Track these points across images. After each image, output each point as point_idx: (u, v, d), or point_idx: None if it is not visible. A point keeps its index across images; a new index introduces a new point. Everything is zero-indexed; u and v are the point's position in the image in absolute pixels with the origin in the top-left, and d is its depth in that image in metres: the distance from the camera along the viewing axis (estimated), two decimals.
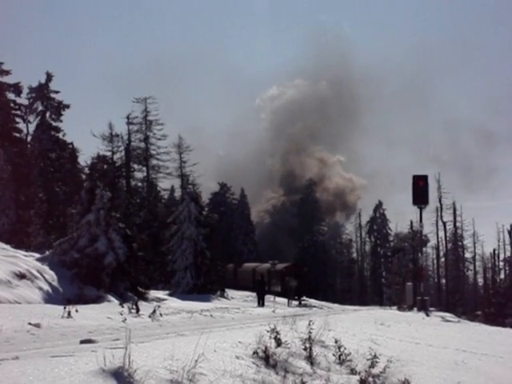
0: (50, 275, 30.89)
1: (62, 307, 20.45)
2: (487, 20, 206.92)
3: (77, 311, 20.39)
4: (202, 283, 49.04)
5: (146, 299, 34.10)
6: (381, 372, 12.87)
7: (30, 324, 16.76)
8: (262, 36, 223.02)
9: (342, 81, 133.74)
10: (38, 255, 33.60)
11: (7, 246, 32.64)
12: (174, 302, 35.87)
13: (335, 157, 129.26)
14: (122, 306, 24.45)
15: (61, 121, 61.60)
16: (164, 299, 37.17)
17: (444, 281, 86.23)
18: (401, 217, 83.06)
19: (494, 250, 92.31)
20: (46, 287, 29.52)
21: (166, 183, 73.88)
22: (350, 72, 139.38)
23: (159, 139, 68.90)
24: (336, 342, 13.39)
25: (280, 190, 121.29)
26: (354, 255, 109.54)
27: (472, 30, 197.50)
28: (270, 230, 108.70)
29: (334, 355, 13.08)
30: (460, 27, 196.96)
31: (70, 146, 62.39)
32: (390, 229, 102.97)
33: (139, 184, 69.69)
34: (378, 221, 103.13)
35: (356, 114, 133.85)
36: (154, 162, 69.31)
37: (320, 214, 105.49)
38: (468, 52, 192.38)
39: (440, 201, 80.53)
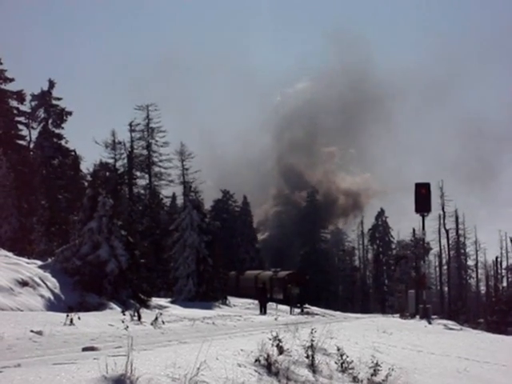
0: (52, 282, 30.88)
1: (64, 315, 20.47)
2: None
3: (79, 319, 20.38)
4: (204, 291, 49.00)
5: (148, 307, 34.07)
6: (383, 380, 12.86)
7: (32, 331, 16.76)
8: (276, 36, 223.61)
9: (358, 83, 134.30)
10: (40, 262, 33.56)
11: (9, 254, 32.61)
12: (176, 310, 35.83)
13: (348, 152, 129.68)
14: (124, 314, 24.36)
15: (63, 128, 61.86)
16: (166, 307, 37.13)
17: (446, 288, 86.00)
18: (411, 224, 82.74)
19: (497, 258, 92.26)
20: (48, 295, 29.51)
21: (169, 190, 74.07)
22: (366, 74, 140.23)
23: (161, 146, 69.18)
24: (338, 349, 13.36)
25: (286, 187, 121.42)
26: (357, 263, 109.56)
27: (494, 37, 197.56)
28: (274, 227, 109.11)
29: (336, 363, 13.05)
30: (481, 32, 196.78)
31: (73, 153, 62.50)
32: (392, 236, 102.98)
33: (141, 191, 69.80)
34: (380, 228, 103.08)
35: (371, 118, 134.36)
36: (157, 169, 69.54)
37: (321, 221, 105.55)
38: (490, 57, 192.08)
39: (443, 208, 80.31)
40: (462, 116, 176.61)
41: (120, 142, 64.87)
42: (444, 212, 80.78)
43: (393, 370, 13.42)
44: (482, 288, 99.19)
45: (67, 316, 19.88)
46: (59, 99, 62.16)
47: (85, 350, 13.87)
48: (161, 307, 35.36)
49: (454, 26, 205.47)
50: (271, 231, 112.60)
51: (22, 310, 25.12)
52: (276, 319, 31.98)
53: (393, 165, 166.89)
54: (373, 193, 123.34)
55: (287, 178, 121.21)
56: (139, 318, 24.20)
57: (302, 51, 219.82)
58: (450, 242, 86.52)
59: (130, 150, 66.12)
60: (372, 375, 12.86)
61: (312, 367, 12.36)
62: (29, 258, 34.27)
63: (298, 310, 48.93)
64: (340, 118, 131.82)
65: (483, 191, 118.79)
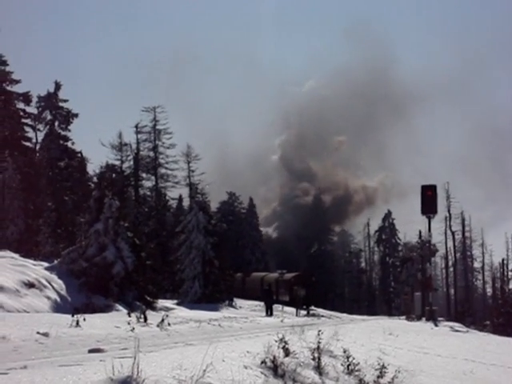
0: (59, 284, 30.95)
1: (70, 316, 20.48)
2: None
3: (85, 320, 20.38)
4: (210, 292, 49.01)
5: (154, 308, 34.09)
6: (389, 382, 12.84)
7: (38, 333, 16.77)
8: (286, 34, 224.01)
9: (373, 82, 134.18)
10: (46, 264, 33.62)
11: (16, 255, 32.71)
12: (182, 312, 35.84)
13: (360, 145, 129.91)
14: (130, 315, 24.46)
15: (69, 130, 61.98)
16: (172, 308, 37.15)
17: (453, 291, 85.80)
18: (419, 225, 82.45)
19: (503, 260, 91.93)
20: (55, 296, 29.57)
21: (175, 192, 73.95)
22: (382, 74, 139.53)
23: (168, 148, 69.22)
24: (344, 351, 13.33)
25: (292, 180, 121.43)
26: (363, 265, 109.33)
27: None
28: (281, 228, 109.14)
29: (342, 365, 13.02)
30: (496, 33, 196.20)
31: (79, 155, 62.61)
32: (399, 238, 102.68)
33: (148, 193, 69.85)
34: (387, 230, 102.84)
35: (387, 117, 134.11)
36: (163, 171, 69.54)
37: (332, 220, 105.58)
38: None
39: (449, 210, 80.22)
40: (480, 117, 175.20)
41: (126, 144, 65.12)
42: (450, 214, 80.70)
43: (399, 372, 13.40)
44: (489, 290, 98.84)
45: (73, 317, 19.88)
46: (65, 101, 62.34)
47: (91, 351, 13.87)
48: (167, 309, 35.38)
49: (468, 27, 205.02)
50: (277, 230, 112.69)
51: (28, 312, 25.16)
52: (282, 321, 32.01)
53: (410, 165, 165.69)
54: (390, 192, 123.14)
55: (293, 171, 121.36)
56: (145, 319, 24.19)
57: (313, 50, 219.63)
58: (457, 243, 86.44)
59: (136, 151, 66.23)
60: (378, 377, 12.83)
61: (318, 369, 12.34)
62: (35, 260, 34.34)
63: (304, 312, 48.84)
64: (353, 116, 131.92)
65: (495, 192, 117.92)
